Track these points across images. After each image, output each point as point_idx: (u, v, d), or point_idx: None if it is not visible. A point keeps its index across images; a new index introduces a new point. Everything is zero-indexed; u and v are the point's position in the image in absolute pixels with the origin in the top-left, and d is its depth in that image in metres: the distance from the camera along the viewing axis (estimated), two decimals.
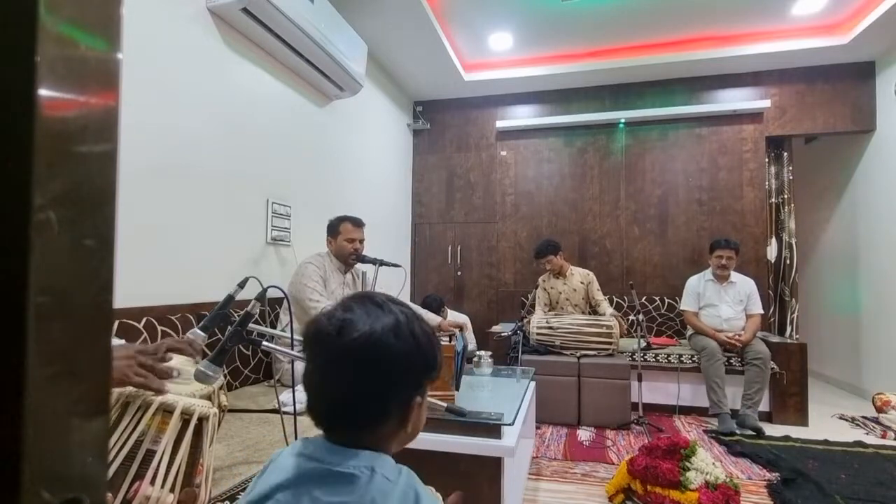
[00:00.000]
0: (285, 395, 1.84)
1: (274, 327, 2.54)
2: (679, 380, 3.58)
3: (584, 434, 3.20)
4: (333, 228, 2.71)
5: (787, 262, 4.48)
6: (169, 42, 2.11)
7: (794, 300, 4.44)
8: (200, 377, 1.12)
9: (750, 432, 3.13)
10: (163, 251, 2.07)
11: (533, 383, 2.77)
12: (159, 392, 1.08)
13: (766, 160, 4.42)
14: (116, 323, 1.78)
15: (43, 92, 0.30)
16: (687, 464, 2.09)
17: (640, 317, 3.36)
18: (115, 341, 1.22)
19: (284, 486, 0.61)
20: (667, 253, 4.50)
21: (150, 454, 1.03)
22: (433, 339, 0.68)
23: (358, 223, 2.73)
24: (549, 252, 3.92)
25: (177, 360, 1.33)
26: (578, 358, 3.47)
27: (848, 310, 4.50)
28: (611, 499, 2.25)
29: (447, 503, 0.97)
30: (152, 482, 1.01)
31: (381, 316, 0.64)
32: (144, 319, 1.90)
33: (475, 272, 4.95)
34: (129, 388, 1.07)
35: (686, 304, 3.83)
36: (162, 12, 2.08)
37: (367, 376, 0.62)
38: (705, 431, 3.24)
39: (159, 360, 1.19)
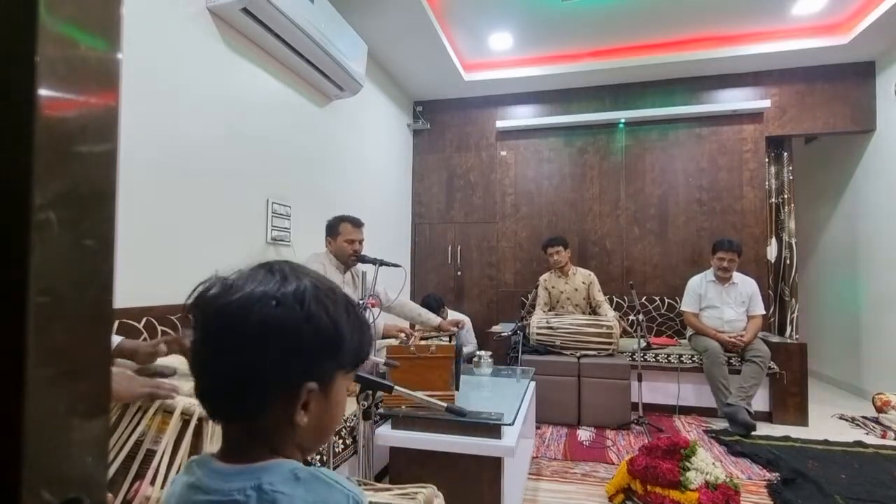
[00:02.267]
0: None
1: None
2: (679, 380, 3.58)
3: (584, 434, 3.19)
4: (332, 229, 2.71)
5: (787, 262, 4.48)
6: (169, 42, 2.11)
7: (794, 300, 4.44)
8: None
9: (744, 429, 3.12)
10: (163, 251, 2.07)
11: (533, 383, 2.77)
12: (169, 396, 1.09)
13: (766, 160, 4.42)
14: (116, 323, 1.78)
15: (43, 92, 0.30)
16: (687, 464, 2.09)
17: (640, 317, 3.36)
18: (115, 338, 1.22)
19: None
20: (667, 253, 4.49)
21: (150, 454, 1.03)
22: (343, 319, 0.57)
23: (357, 223, 2.73)
24: (560, 242, 3.95)
25: (175, 360, 1.33)
26: (578, 358, 3.47)
27: (848, 310, 4.50)
28: (611, 499, 2.25)
29: None
30: (152, 482, 1.01)
31: (270, 281, 0.54)
32: (144, 319, 1.90)
33: (475, 272, 4.95)
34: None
35: (687, 305, 3.83)
36: (162, 12, 2.08)
37: (236, 348, 0.52)
38: (705, 431, 3.24)
39: (150, 360, 1.19)
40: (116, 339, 1.21)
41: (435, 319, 2.97)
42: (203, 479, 0.54)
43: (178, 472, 1.04)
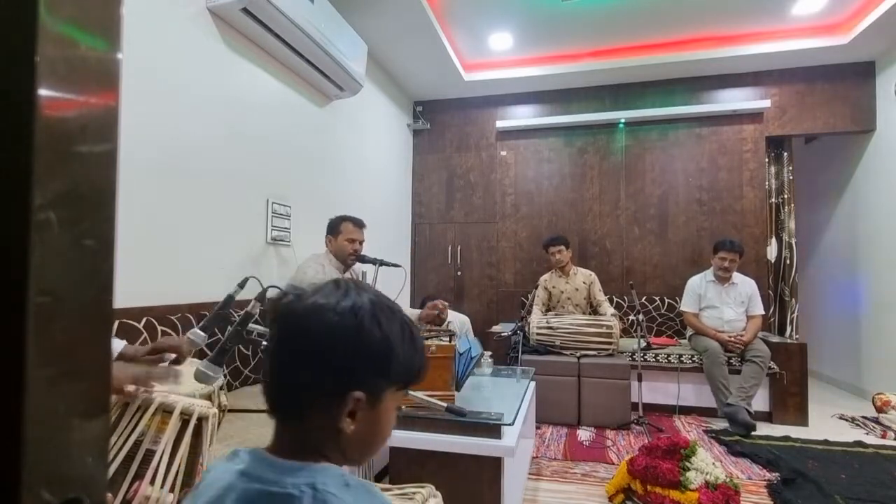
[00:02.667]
0: None
1: None
2: (679, 380, 3.58)
3: (584, 434, 3.19)
4: (334, 228, 2.70)
5: (787, 262, 4.48)
6: (169, 42, 2.11)
7: (794, 300, 4.44)
8: (200, 377, 1.12)
9: (745, 430, 3.12)
10: (163, 251, 2.07)
11: (533, 383, 2.77)
12: (166, 377, 1.09)
13: (766, 160, 4.42)
14: (116, 323, 1.78)
15: (43, 92, 0.30)
16: (687, 464, 2.09)
17: (640, 317, 3.36)
18: (116, 342, 1.22)
19: None
20: (667, 253, 4.49)
21: (149, 454, 1.03)
22: (396, 336, 0.60)
23: (359, 223, 2.73)
24: (561, 242, 3.95)
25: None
26: (578, 358, 3.47)
27: (848, 310, 4.50)
28: (611, 499, 2.25)
29: None
30: (152, 482, 1.01)
31: (334, 294, 0.60)
32: (144, 319, 1.90)
33: (475, 272, 4.95)
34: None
35: (686, 304, 3.83)
36: (162, 12, 2.08)
37: (294, 350, 0.58)
38: (705, 431, 3.24)
39: (154, 363, 1.19)
40: (119, 345, 1.20)
41: (414, 313, 2.92)
42: (256, 468, 0.56)
43: (177, 472, 1.04)
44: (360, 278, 2.81)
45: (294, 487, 0.52)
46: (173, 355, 1.23)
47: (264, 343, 1.24)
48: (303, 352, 0.57)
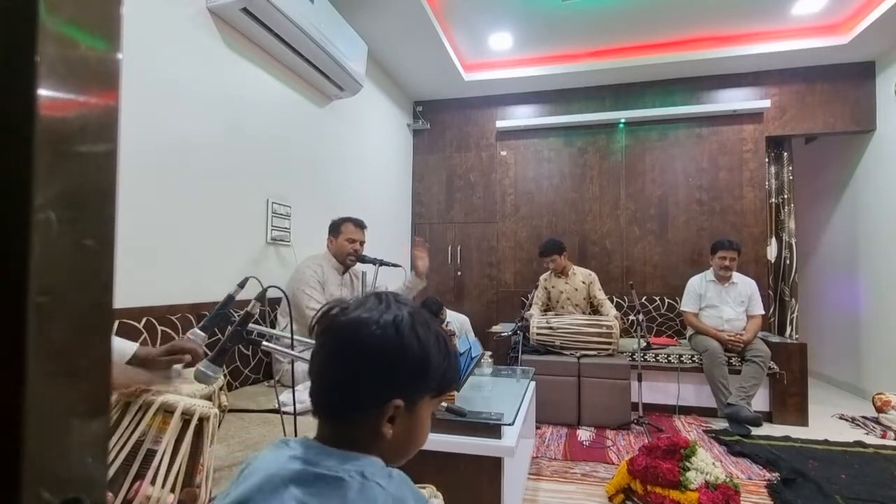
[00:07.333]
0: (285, 396, 1.84)
1: (273, 328, 2.54)
2: (679, 380, 3.58)
3: (584, 434, 3.19)
4: (335, 228, 2.71)
5: (787, 262, 4.48)
6: (169, 42, 2.11)
7: (794, 300, 4.44)
8: (200, 377, 1.12)
9: (745, 430, 3.12)
10: (162, 251, 2.07)
11: (533, 383, 2.77)
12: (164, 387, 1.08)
13: (766, 160, 4.42)
14: (116, 323, 1.78)
15: (43, 92, 0.30)
16: (687, 464, 2.09)
17: (640, 317, 3.36)
18: (129, 344, 1.20)
19: (266, 489, 0.56)
20: (667, 253, 4.49)
21: (150, 454, 1.03)
22: (433, 347, 0.65)
23: (360, 224, 2.74)
24: (554, 251, 3.92)
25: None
26: (578, 358, 3.47)
27: (848, 310, 4.50)
28: (611, 499, 2.25)
29: None
30: (153, 482, 1.01)
31: (376, 309, 0.65)
32: (144, 319, 1.90)
33: (475, 272, 4.95)
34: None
35: (686, 304, 3.83)
36: (162, 12, 2.08)
37: (340, 360, 0.63)
38: (705, 431, 3.24)
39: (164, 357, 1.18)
40: (132, 347, 1.16)
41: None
42: (307, 453, 0.60)
43: (178, 472, 1.04)
44: (360, 278, 2.81)
45: (345, 472, 0.57)
46: (188, 357, 1.21)
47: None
48: (348, 362, 0.63)
